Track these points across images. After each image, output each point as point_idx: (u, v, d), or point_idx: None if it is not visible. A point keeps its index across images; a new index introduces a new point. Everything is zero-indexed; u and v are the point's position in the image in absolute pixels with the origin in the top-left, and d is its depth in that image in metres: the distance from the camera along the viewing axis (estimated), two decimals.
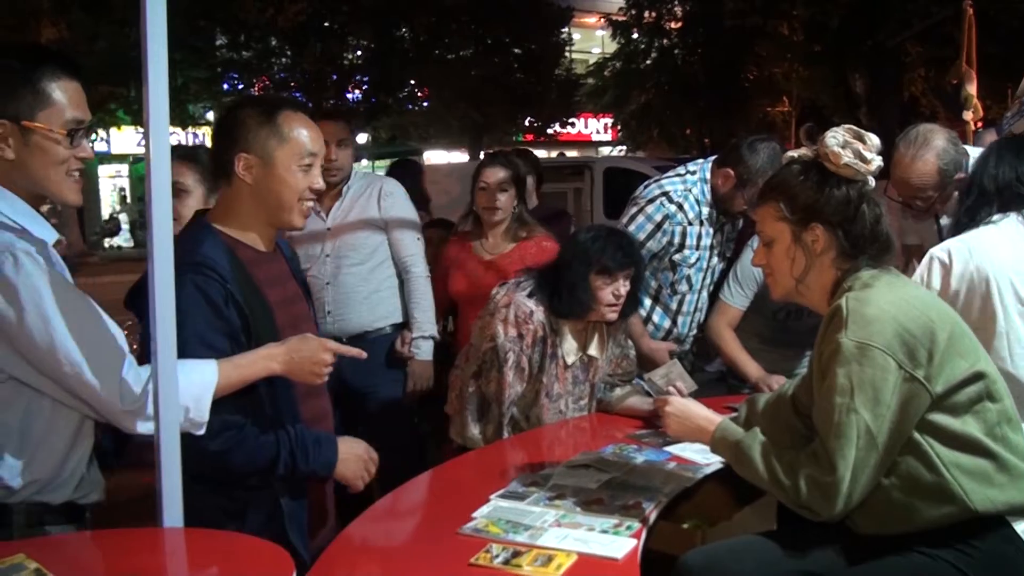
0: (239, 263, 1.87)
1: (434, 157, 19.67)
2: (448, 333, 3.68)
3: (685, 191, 3.08)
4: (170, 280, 1.60)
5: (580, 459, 2.22)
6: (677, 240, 3.08)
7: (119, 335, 1.60)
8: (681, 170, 3.18)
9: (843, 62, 16.45)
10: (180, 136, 16.87)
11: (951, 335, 1.67)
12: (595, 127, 25.36)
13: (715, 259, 3.19)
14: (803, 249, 1.80)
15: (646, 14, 20.41)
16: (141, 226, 18.02)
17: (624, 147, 22.71)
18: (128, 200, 23.25)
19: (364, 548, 1.81)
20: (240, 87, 17.10)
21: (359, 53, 18.26)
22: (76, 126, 1.60)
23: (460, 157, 19.14)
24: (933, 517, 1.64)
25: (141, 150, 1.74)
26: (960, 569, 1.63)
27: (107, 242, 21.83)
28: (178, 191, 2.27)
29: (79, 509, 1.65)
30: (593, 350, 2.68)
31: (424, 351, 3.31)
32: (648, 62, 20.84)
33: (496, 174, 3.25)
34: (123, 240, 22.35)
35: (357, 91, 18.25)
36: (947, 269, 2.35)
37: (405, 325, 3.35)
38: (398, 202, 3.36)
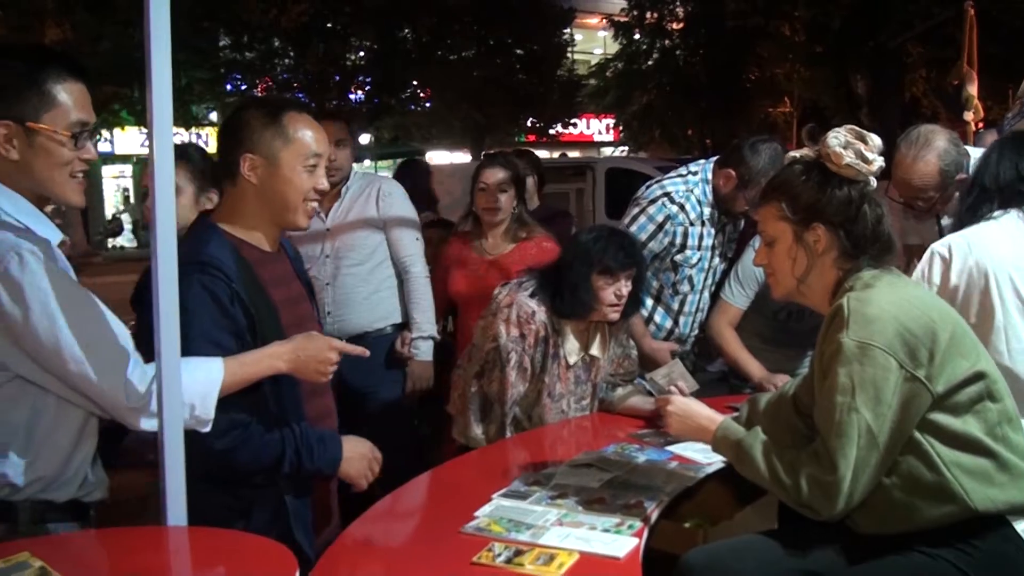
0: (244, 263, 1.88)
1: (436, 158, 19.64)
2: (448, 333, 3.67)
3: (687, 192, 3.09)
4: (174, 279, 1.60)
5: (582, 458, 2.23)
6: (679, 240, 3.08)
7: (124, 333, 1.60)
8: (683, 171, 3.18)
9: (845, 63, 16.45)
10: (183, 136, 16.87)
11: (952, 335, 1.68)
12: (597, 128, 25.36)
13: (716, 259, 3.19)
14: (805, 249, 1.81)
15: (648, 15, 20.40)
16: (144, 226, 18.02)
17: (626, 148, 22.69)
18: (132, 200, 23.28)
19: (367, 547, 1.82)
20: (243, 88, 17.11)
21: (362, 54, 18.26)
22: (81, 128, 1.60)
23: (462, 158, 19.14)
24: (934, 516, 1.65)
25: (145, 150, 1.74)
26: (960, 568, 1.63)
27: (110, 242, 21.87)
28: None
29: (83, 507, 1.65)
30: (595, 350, 2.68)
31: (423, 352, 3.30)
32: (650, 63, 20.82)
33: (496, 175, 3.25)
34: (126, 240, 22.39)
35: (360, 92, 18.26)
36: (947, 264, 2.36)
37: (406, 325, 3.35)
38: (396, 202, 3.36)
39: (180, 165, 2.43)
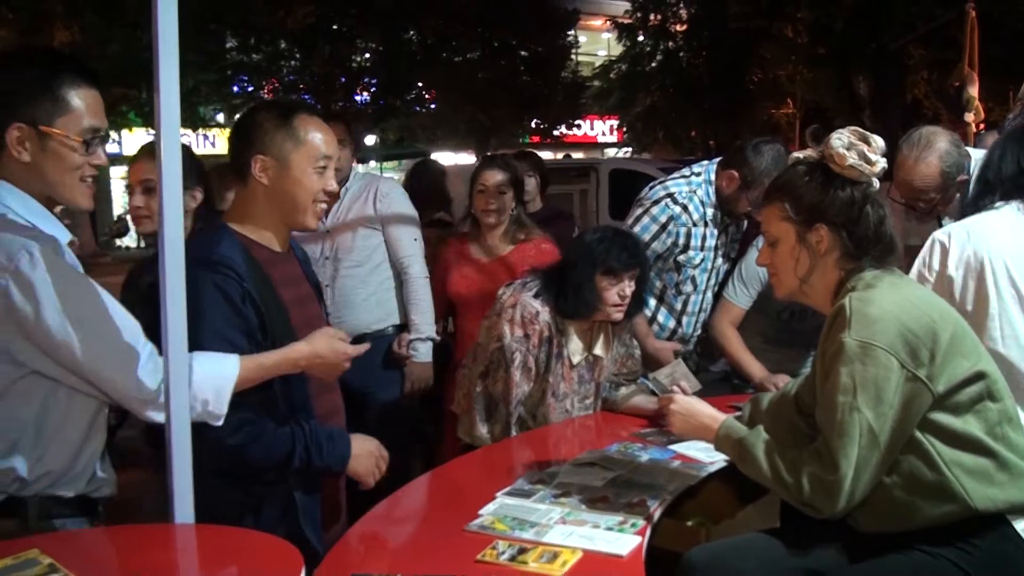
0: (255, 263, 1.90)
1: (441, 159, 19.62)
2: (448, 334, 3.65)
3: (690, 193, 3.10)
4: (181, 278, 1.61)
5: (586, 457, 2.24)
6: (682, 241, 3.09)
7: (136, 327, 1.62)
8: (686, 172, 3.19)
9: (847, 64, 16.43)
10: (191, 138, 16.93)
11: (953, 335, 1.69)
12: (601, 129, 25.32)
13: (719, 260, 3.20)
14: (807, 249, 1.82)
15: (651, 17, 20.39)
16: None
17: (630, 149, 22.67)
18: None
19: (372, 544, 1.83)
20: (250, 89, 17.15)
21: (367, 56, 18.28)
22: (93, 134, 1.62)
23: (467, 159, 19.16)
24: (934, 515, 1.65)
25: None
26: (961, 567, 1.64)
27: (117, 242, 21.91)
28: (155, 188, 2.28)
29: (92, 503, 1.67)
30: (598, 350, 2.70)
31: (422, 353, 3.29)
32: (653, 64, 20.80)
33: (494, 176, 3.24)
34: (131, 240, 22.43)
35: (365, 93, 18.28)
36: (946, 251, 2.37)
37: (406, 326, 3.34)
38: (394, 202, 3.35)
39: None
